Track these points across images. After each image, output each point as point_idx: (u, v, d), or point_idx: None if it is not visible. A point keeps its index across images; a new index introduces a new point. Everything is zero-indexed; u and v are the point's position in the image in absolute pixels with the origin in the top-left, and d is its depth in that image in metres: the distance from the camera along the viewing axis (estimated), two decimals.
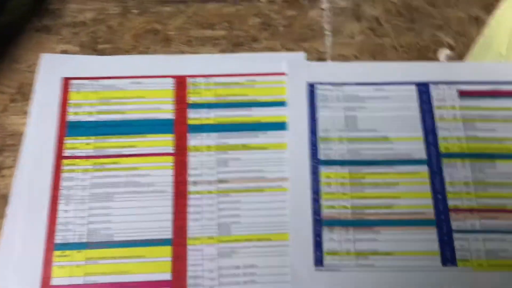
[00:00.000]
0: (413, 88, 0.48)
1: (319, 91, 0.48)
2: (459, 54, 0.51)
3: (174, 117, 0.47)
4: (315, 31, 0.51)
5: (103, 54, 0.50)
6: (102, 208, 0.43)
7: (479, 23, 0.52)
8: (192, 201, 0.44)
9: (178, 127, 0.46)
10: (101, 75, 0.48)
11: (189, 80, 0.48)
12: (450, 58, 0.51)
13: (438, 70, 0.49)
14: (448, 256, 0.42)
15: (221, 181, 0.44)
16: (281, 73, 0.49)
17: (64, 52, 0.50)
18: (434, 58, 0.51)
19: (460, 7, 0.53)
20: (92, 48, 0.50)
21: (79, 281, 0.41)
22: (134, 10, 0.52)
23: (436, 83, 0.49)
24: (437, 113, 0.47)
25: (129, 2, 0.53)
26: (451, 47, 0.51)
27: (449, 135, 0.46)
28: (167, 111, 0.47)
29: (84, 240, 0.42)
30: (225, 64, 0.49)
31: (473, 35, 0.52)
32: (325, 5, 0.53)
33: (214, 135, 0.46)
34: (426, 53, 0.51)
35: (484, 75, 0.49)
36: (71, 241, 0.42)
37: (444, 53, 0.51)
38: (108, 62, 0.49)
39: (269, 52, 0.50)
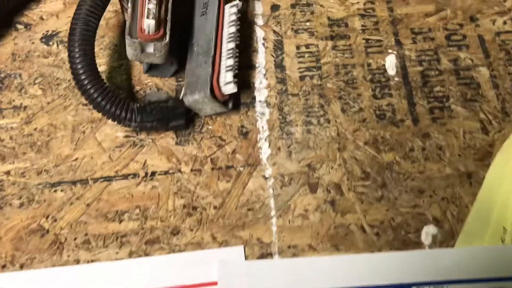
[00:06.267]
0: None
1: None
2: (447, 232, 0.38)
3: None
4: (257, 212, 0.39)
5: None
6: None
7: (473, 181, 0.40)
8: None
9: None
10: None
11: None
12: (436, 240, 0.38)
13: (422, 262, 0.37)
14: None
15: None
16: (212, 282, 0.36)
17: None
18: (416, 240, 0.38)
19: (448, 160, 0.41)
20: None
21: None
22: (15, 200, 0.39)
23: (420, 284, 0.36)
24: None
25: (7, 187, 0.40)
26: (436, 221, 0.38)
27: None
28: None
29: None
30: (134, 276, 0.36)
31: (465, 201, 0.39)
32: (268, 171, 0.40)
33: None
34: (405, 234, 0.38)
35: (484, 269, 0.36)
36: None
37: (428, 232, 0.38)
38: None
39: (194, 250, 0.38)
